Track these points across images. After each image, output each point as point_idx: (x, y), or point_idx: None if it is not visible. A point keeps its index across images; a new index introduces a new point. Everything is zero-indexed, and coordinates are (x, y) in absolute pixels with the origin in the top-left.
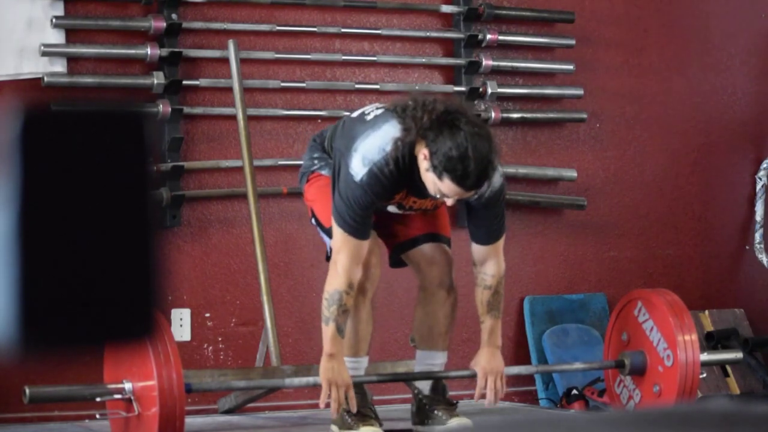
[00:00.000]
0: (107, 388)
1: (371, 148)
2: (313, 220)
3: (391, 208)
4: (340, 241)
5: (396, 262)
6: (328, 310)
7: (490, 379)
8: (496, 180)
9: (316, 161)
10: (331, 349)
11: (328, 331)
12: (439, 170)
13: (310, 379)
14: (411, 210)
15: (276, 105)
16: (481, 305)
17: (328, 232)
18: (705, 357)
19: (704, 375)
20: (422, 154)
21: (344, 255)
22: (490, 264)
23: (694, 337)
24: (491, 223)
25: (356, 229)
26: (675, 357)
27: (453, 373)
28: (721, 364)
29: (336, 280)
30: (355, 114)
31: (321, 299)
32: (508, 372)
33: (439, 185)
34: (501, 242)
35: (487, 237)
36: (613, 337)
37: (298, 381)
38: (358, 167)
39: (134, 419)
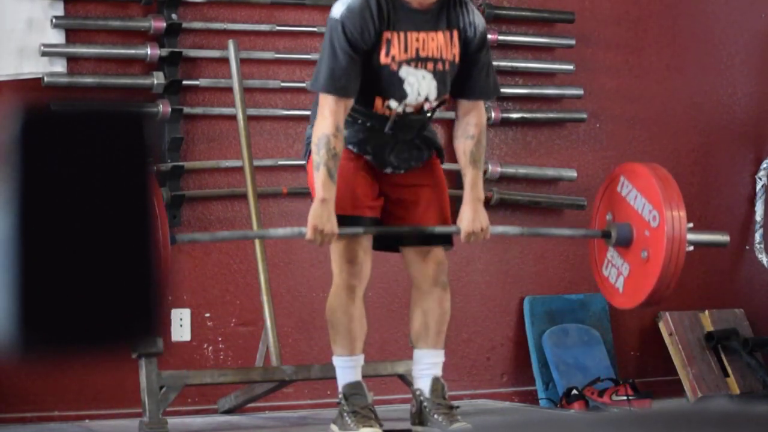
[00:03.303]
0: None
1: None
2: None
3: (411, 82)
4: (323, 99)
5: (382, 246)
6: (317, 155)
7: (473, 239)
8: (480, 16)
9: None
10: (324, 194)
11: (319, 176)
12: None
13: (296, 230)
14: (424, 64)
15: (276, 105)
16: (464, 156)
17: None
18: (691, 237)
19: (691, 248)
20: None
21: (331, 99)
22: (473, 114)
23: (679, 197)
24: (480, 72)
25: (341, 87)
26: (661, 216)
27: (438, 230)
28: (707, 245)
29: (323, 123)
30: None
31: (321, 299)
32: (492, 231)
33: None
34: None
35: (478, 89)
36: (598, 220)
37: (282, 231)
38: (339, 7)
39: None
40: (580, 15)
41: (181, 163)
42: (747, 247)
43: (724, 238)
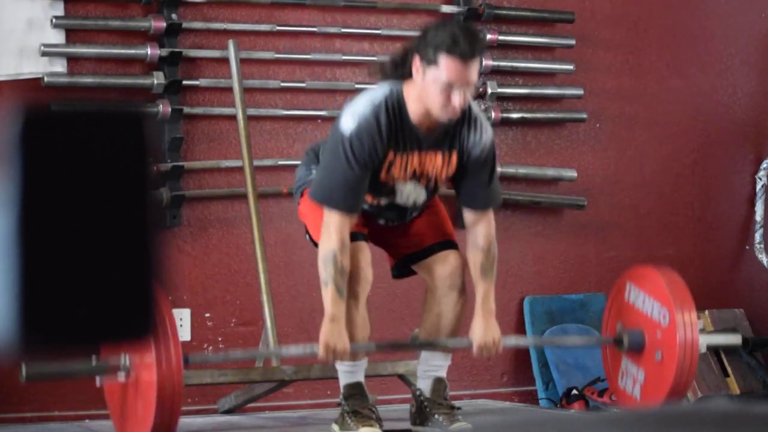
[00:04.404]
0: (105, 363)
1: (359, 103)
2: (307, 236)
3: (401, 196)
4: (328, 214)
5: (400, 272)
6: (325, 272)
7: (485, 352)
8: (490, 130)
9: (313, 170)
10: (333, 311)
11: (327, 293)
12: (432, 56)
13: (308, 348)
14: (418, 180)
15: (276, 105)
16: (474, 268)
17: None
18: (704, 339)
19: (703, 351)
20: (415, 69)
21: (336, 216)
22: (481, 225)
23: (686, 292)
24: (487, 186)
25: (346, 204)
26: (671, 314)
27: (450, 342)
28: (720, 346)
29: (328, 240)
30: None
31: (321, 299)
32: (504, 342)
33: (438, 75)
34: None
35: (484, 202)
36: (609, 331)
37: (295, 350)
38: (348, 122)
39: (132, 391)
40: (580, 15)
41: (181, 163)
42: (747, 247)
43: (736, 338)
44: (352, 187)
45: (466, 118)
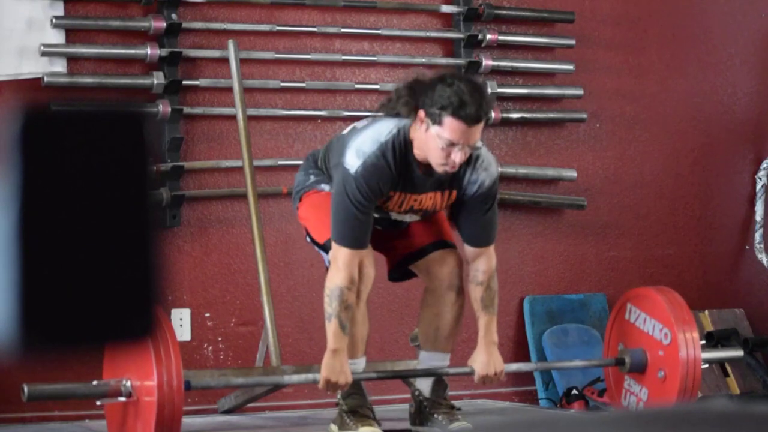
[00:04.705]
0: (107, 385)
1: (366, 140)
2: (308, 239)
3: (395, 216)
4: (337, 249)
5: (398, 275)
6: (330, 306)
7: (487, 381)
8: (493, 169)
9: (312, 176)
10: (335, 345)
11: (330, 327)
12: (437, 115)
13: (309, 376)
14: (415, 213)
15: (276, 105)
16: (475, 302)
17: (324, 248)
18: (705, 355)
19: (705, 366)
20: (419, 121)
21: (346, 252)
22: (481, 260)
23: (687, 312)
24: (487, 223)
25: (355, 240)
26: (673, 333)
27: (452, 370)
28: (722, 360)
29: (337, 275)
30: (346, 130)
31: (321, 299)
32: (507, 369)
33: (441, 133)
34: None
35: (483, 239)
36: (610, 351)
37: (297, 377)
38: (353, 160)
39: (132, 413)
40: (580, 15)
41: (181, 163)
42: (747, 247)
43: (737, 352)
44: (358, 224)
45: (469, 159)
